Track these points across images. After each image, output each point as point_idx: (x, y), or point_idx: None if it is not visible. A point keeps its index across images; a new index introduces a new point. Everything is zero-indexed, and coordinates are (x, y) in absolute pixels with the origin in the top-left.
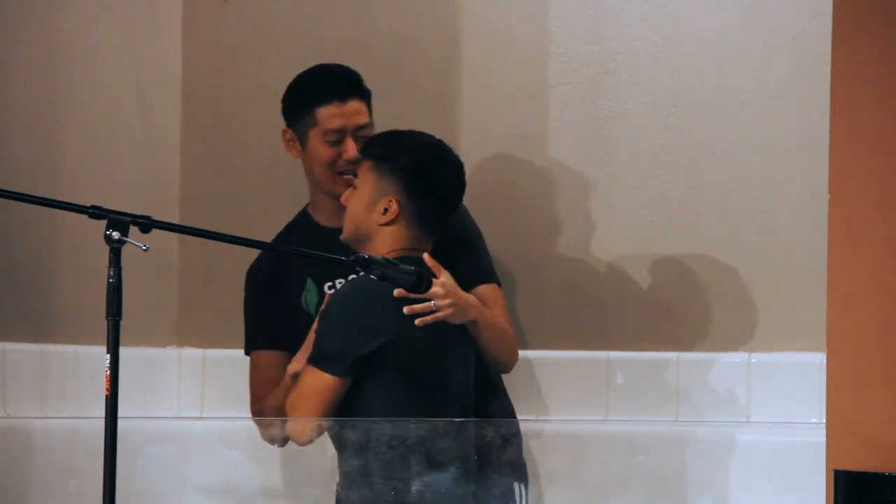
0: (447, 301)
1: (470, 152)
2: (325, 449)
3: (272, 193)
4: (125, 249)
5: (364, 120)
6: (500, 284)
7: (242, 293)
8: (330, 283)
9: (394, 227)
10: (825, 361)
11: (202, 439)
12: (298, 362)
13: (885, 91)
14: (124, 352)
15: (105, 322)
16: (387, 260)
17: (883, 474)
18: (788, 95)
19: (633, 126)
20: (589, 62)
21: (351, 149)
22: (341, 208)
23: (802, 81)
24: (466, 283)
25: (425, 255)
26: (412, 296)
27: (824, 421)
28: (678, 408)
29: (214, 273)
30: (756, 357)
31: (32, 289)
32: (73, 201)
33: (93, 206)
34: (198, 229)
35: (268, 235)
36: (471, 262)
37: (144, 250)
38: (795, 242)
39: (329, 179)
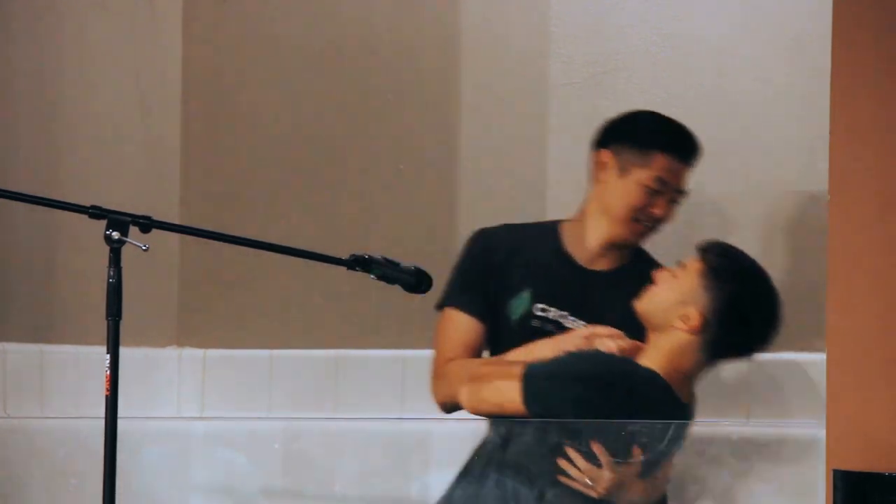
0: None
1: (470, 152)
2: (326, 448)
3: (272, 193)
4: (125, 249)
5: (686, 188)
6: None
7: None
8: (544, 306)
9: (682, 338)
10: (825, 361)
11: (202, 439)
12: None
13: (886, 91)
14: (124, 352)
15: (105, 322)
16: (387, 259)
17: (883, 474)
18: (788, 95)
19: None
20: (589, 62)
21: (661, 207)
22: (610, 252)
23: (802, 81)
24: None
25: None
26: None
27: (824, 421)
28: None
29: (214, 273)
30: (756, 357)
31: (32, 289)
32: (73, 201)
33: (93, 206)
34: (198, 229)
35: (268, 235)
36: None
37: (144, 250)
38: (795, 242)
39: (622, 220)
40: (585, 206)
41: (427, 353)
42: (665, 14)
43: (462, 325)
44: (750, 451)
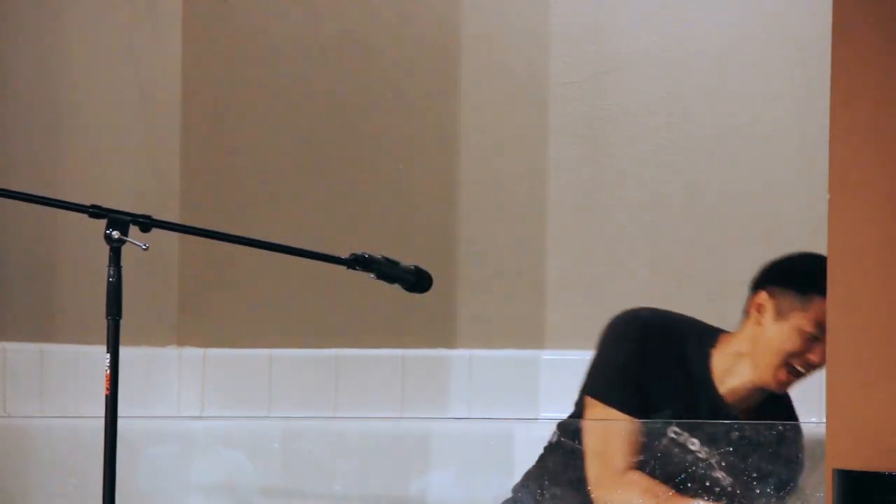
0: None
1: (470, 152)
2: (326, 448)
3: (272, 193)
4: (125, 249)
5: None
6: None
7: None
8: (677, 430)
9: None
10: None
11: (202, 439)
12: None
13: (886, 91)
14: (124, 351)
15: (105, 321)
16: (387, 259)
17: (883, 474)
18: (788, 95)
19: (633, 126)
20: (589, 62)
21: (818, 354)
22: (755, 394)
23: (802, 81)
24: None
25: None
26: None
27: (824, 420)
28: None
29: (214, 273)
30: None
31: (32, 288)
32: (73, 200)
33: (93, 206)
34: (198, 229)
35: (268, 235)
36: None
37: (144, 250)
38: (795, 242)
39: (773, 366)
40: (739, 342)
41: (427, 353)
42: (665, 14)
43: (624, 428)
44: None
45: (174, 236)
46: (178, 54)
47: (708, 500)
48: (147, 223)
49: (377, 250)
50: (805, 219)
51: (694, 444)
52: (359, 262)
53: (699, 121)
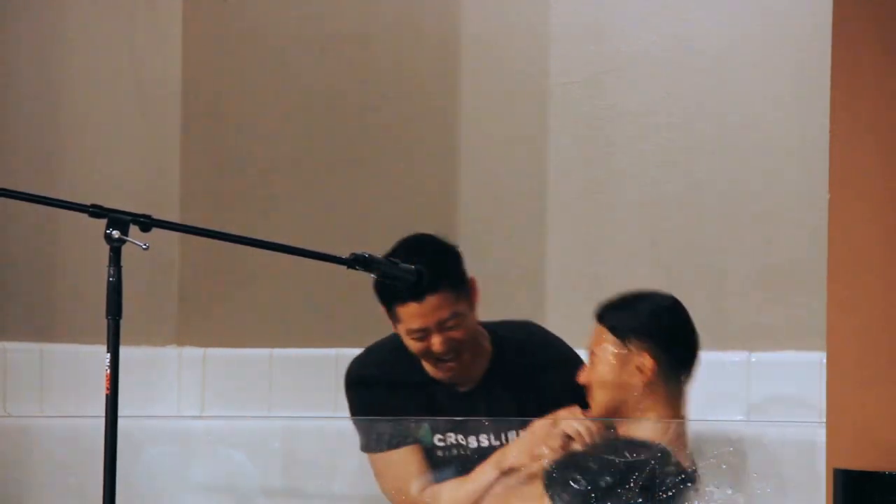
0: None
1: (470, 152)
2: (326, 448)
3: (272, 193)
4: (125, 248)
5: (445, 313)
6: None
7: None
8: (441, 436)
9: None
10: (825, 361)
11: (202, 438)
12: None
13: (886, 91)
14: (124, 351)
15: (105, 321)
16: (387, 258)
17: (883, 473)
18: (788, 95)
19: (633, 126)
20: (589, 62)
21: (437, 343)
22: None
23: (802, 81)
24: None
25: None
26: None
27: (824, 420)
28: None
29: (215, 272)
30: (756, 356)
31: (32, 288)
32: (73, 200)
33: (93, 205)
34: (198, 228)
35: (268, 235)
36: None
37: (144, 249)
38: (795, 242)
39: (429, 366)
40: None
41: None
42: (665, 14)
43: (408, 456)
44: (750, 451)
45: (174, 236)
46: (178, 54)
47: None
48: (147, 223)
49: (377, 250)
50: (805, 219)
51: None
52: (359, 262)
53: (699, 121)
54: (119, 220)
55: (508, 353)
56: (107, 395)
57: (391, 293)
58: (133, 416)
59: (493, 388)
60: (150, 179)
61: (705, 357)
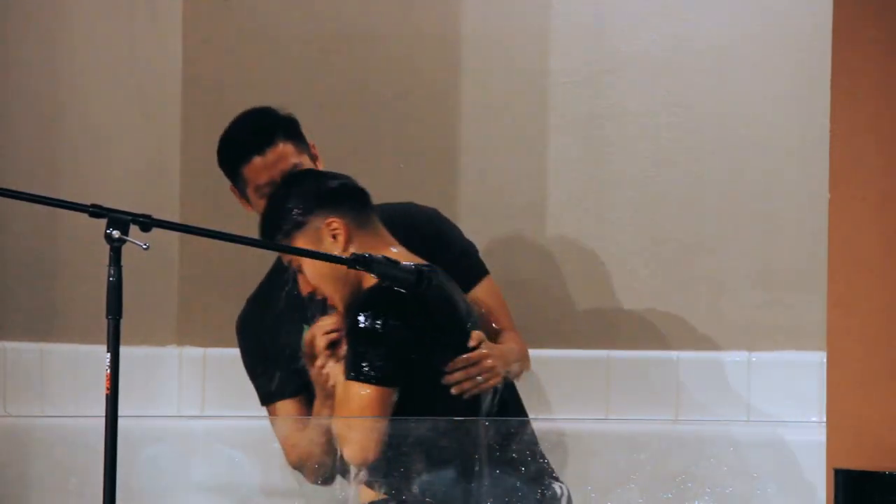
0: (494, 368)
1: (470, 152)
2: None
3: None
4: (125, 248)
5: (291, 162)
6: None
7: (236, 334)
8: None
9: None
10: (825, 360)
11: (202, 438)
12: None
13: (886, 90)
14: (125, 351)
15: (105, 321)
16: (387, 259)
17: (883, 473)
18: (788, 95)
19: (633, 126)
20: (589, 62)
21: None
22: None
23: (802, 81)
24: (466, 283)
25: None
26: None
27: (824, 420)
28: (678, 407)
29: (215, 272)
30: (756, 356)
31: (33, 287)
32: (73, 200)
33: (93, 205)
34: (198, 228)
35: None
36: (462, 259)
37: (145, 249)
38: (795, 242)
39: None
40: None
41: None
42: (665, 14)
43: (289, 412)
44: (750, 451)
45: (174, 236)
46: (179, 54)
47: None
48: (147, 223)
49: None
50: (805, 219)
51: None
52: (359, 262)
53: (699, 120)
54: (119, 219)
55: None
56: (107, 395)
57: (234, 156)
58: (133, 416)
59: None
60: (150, 179)
61: (705, 356)
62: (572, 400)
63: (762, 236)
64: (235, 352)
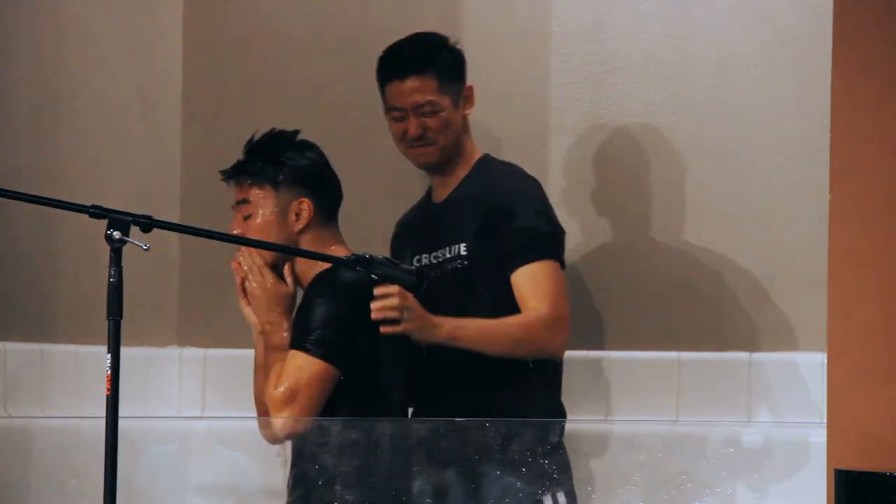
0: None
1: None
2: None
3: None
4: (126, 249)
5: (421, 99)
6: (556, 259)
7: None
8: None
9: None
10: (825, 361)
11: (203, 439)
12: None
13: (886, 91)
14: (125, 351)
15: (106, 322)
16: (388, 259)
17: (883, 474)
18: (788, 95)
19: (633, 125)
20: (589, 62)
21: (412, 126)
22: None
23: (802, 81)
24: (509, 262)
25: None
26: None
27: (825, 421)
28: (679, 407)
29: (215, 273)
30: (756, 357)
31: (33, 288)
32: (73, 201)
33: (94, 206)
34: (198, 229)
35: None
36: (516, 236)
37: (145, 250)
38: (795, 242)
39: (403, 152)
40: None
41: None
42: (665, 14)
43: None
44: (750, 451)
45: (174, 236)
46: (179, 54)
47: None
48: (147, 223)
49: (378, 251)
50: (805, 219)
51: None
52: (360, 263)
53: (699, 121)
54: (120, 220)
55: (485, 173)
56: (107, 395)
57: (380, 74)
58: (133, 416)
59: (460, 201)
60: (150, 179)
61: (705, 357)
62: (572, 401)
63: (762, 236)
64: (235, 352)
